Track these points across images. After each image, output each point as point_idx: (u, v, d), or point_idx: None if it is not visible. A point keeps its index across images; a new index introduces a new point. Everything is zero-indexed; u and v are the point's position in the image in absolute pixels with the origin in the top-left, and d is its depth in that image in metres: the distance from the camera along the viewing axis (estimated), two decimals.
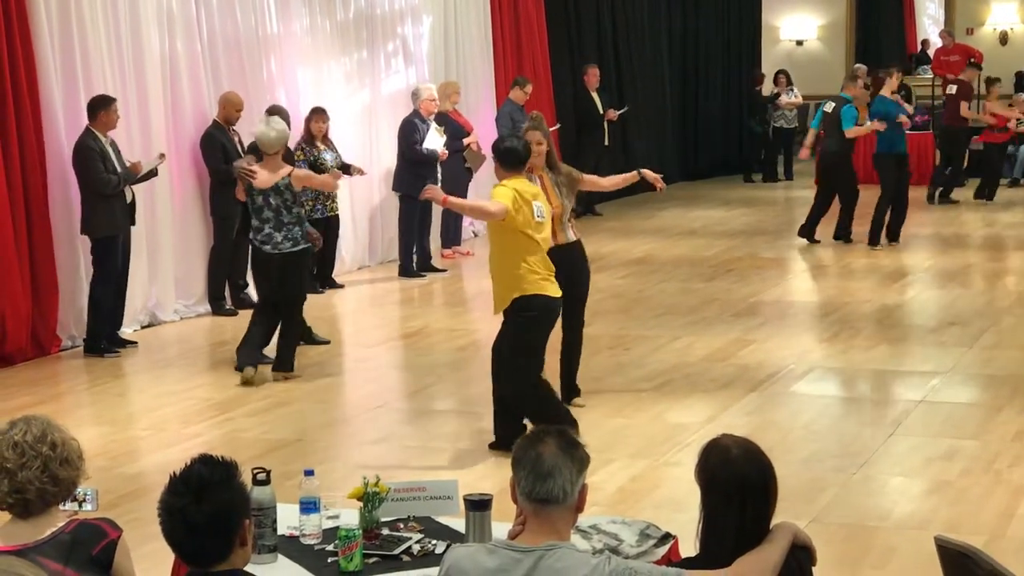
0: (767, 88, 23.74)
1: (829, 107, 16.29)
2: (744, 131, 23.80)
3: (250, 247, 10.69)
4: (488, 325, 12.91)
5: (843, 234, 16.45)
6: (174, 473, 3.53)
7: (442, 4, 16.98)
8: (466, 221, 16.60)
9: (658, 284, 14.01)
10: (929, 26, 26.41)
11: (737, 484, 3.72)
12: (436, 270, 14.94)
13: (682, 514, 7.05)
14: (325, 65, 14.86)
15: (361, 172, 13.95)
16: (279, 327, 10.44)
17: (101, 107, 11.11)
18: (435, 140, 14.51)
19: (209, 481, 3.50)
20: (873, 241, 16.03)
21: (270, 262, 10.22)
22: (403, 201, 14.72)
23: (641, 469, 8.03)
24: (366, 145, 15.32)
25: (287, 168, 10.30)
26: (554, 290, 8.03)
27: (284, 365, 10.36)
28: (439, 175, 14.47)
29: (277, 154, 10.24)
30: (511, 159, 8.08)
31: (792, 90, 23.04)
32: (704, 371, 10.34)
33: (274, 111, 12.29)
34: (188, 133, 12.88)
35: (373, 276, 14.94)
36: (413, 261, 14.77)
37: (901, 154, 16.13)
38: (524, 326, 8.05)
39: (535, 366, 8.18)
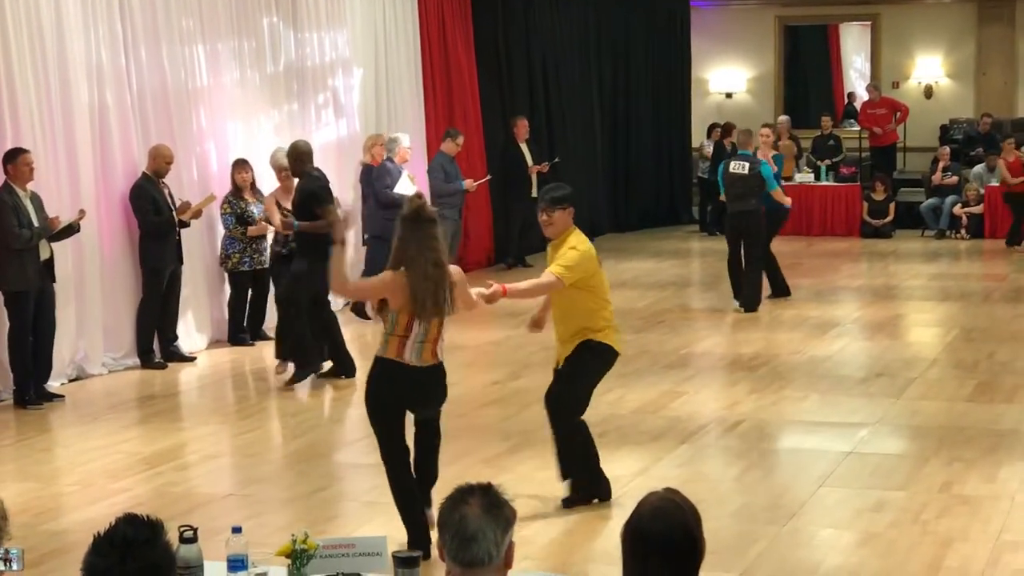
0: (696, 139, 23.98)
1: (740, 167, 15.46)
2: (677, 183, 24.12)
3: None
4: None
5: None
6: (98, 533, 3.49)
7: (373, 56, 17.02)
8: None
9: None
10: (856, 79, 26.71)
11: (639, 539, 3.69)
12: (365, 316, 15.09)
13: (613, 567, 7.02)
14: (255, 117, 14.84)
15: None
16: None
17: (9, 160, 11.06)
18: (407, 187, 14.57)
19: (134, 541, 3.45)
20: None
21: None
22: (372, 242, 14.80)
23: (573, 522, 8.02)
24: None
25: None
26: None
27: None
28: (360, 227, 14.99)
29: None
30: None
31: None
32: (635, 423, 10.36)
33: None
34: (117, 185, 12.81)
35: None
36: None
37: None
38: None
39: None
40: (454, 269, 7.41)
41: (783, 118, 23.24)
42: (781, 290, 16.25)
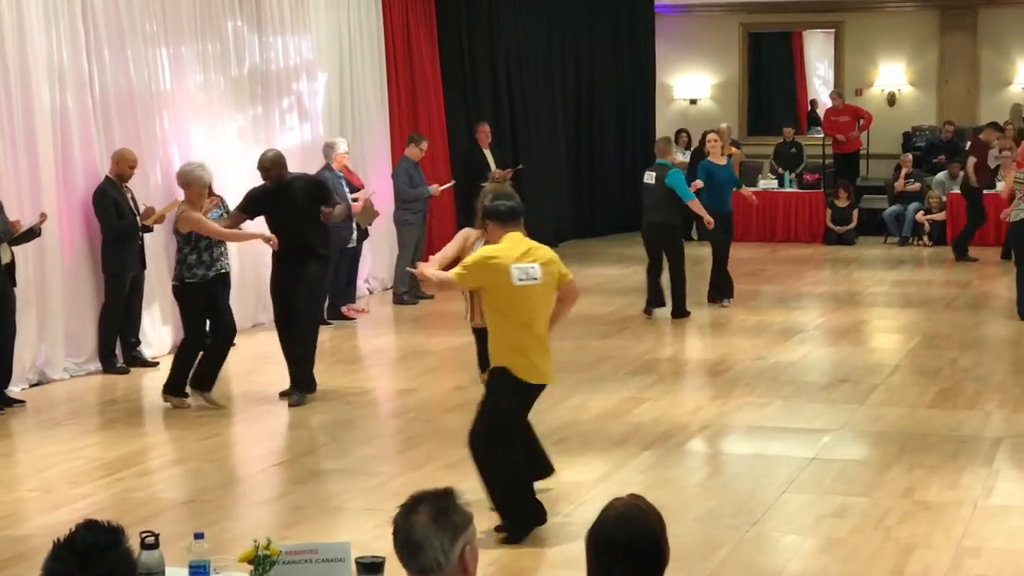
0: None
1: (649, 177, 15.30)
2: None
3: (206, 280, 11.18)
4: (383, 383, 12.90)
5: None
6: (58, 539, 3.46)
7: (338, 60, 16.99)
8: (361, 277, 16.58)
9: (553, 342, 13.86)
10: (819, 86, 26.80)
11: (603, 545, 3.70)
12: (345, 318, 15.40)
13: (574, 573, 7.04)
14: (219, 121, 14.78)
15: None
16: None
17: None
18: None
19: (94, 547, 3.42)
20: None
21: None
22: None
23: (534, 529, 8.00)
24: None
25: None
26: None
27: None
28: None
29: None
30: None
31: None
32: (598, 429, 10.36)
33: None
34: (79, 189, 12.73)
35: (268, 333, 14.78)
36: (324, 310, 14.61)
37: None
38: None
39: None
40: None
41: (724, 125, 23.41)
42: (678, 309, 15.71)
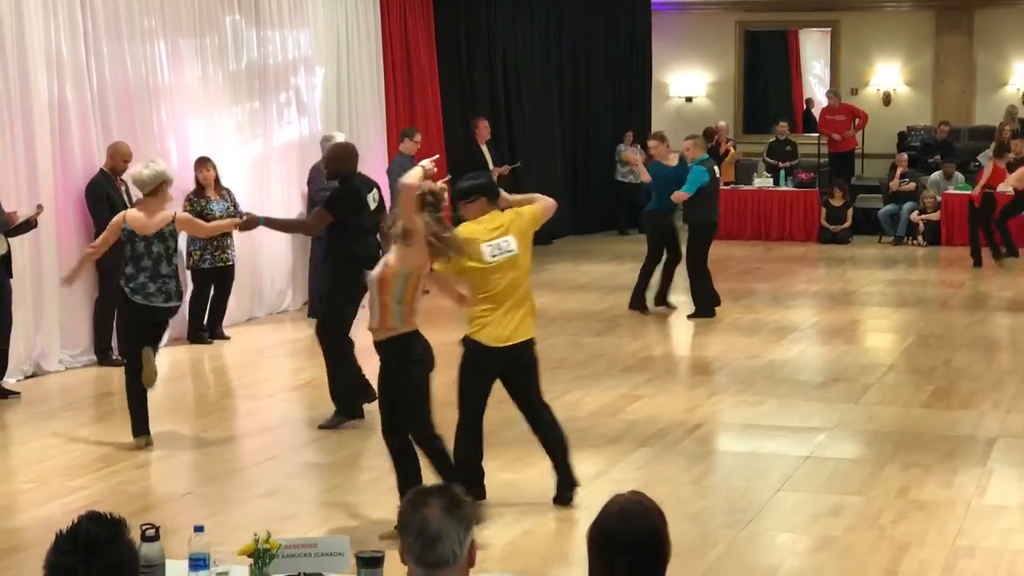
0: None
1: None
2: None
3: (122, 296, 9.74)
4: (373, 378, 12.88)
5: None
6: (61, 531, 3.46)
7: (335, 55, 16.99)
8: None
9: (547, 339, 14.00)
10: (815, 85, 26.83)
11: (606, 541, 3.71)
12: None
13: (572, 569, 7.08)
14: (217, 115, 14.78)
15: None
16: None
17: None
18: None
19: (97, 539, 3.43)
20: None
21: (144, 314, 9.60)
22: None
23: (531, 524, 8.03)
24: (257, 195, 15.23)
25: (170, 212, 9.73)
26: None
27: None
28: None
29: (155, 195, 9.60)
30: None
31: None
32: (593, 426, 10.37)
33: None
34: (76, 181, 12.73)
35: (262, 327, 14.82)
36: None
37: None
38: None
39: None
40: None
41: (721, 123, 23.48)
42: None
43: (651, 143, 16.12)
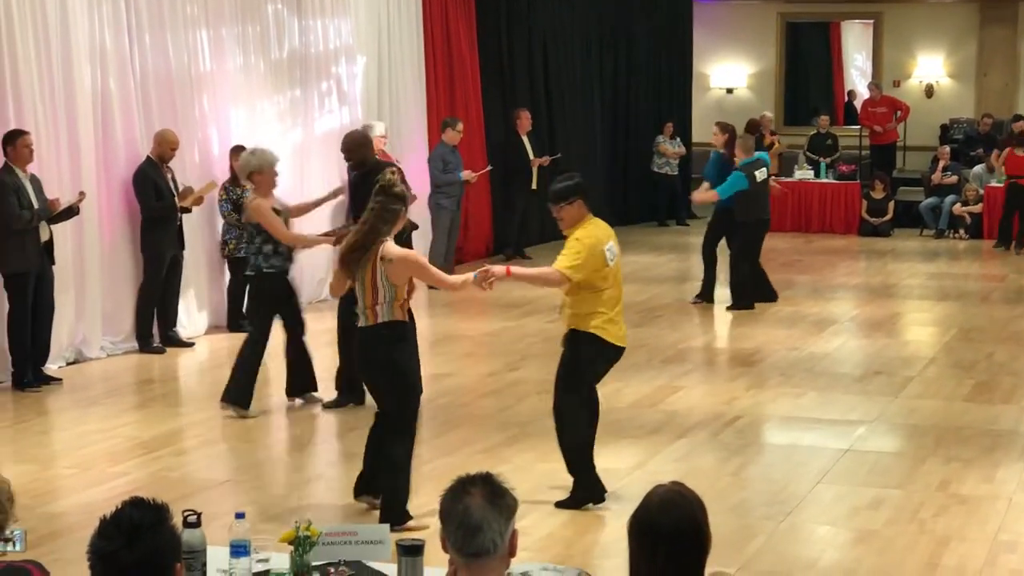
0: (697, 135, 23.96)
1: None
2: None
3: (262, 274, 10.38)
4: (425, 370, 12.89)
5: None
6: (105, 516, 3.49)
7: (376, 44, 17.01)
8: None
9: None
10: (856, 77, 26.70)
11: (647, 531, 3.71)
12: None
13: (609, 560, 7.07)
14: (258, 104, 14.82)
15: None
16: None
17: (8, 142, 11.06)
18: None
19: (141, 524, 3.46)
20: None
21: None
22: None
23: (570, 514, 8.03)
24: (297, 184, 15.25)
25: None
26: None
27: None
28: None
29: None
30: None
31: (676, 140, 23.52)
32: (632, 417, 10.36)
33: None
34: (119, 170, 12.80)
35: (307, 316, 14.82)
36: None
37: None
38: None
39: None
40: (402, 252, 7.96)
41: (767, 114, 23.37)
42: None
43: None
